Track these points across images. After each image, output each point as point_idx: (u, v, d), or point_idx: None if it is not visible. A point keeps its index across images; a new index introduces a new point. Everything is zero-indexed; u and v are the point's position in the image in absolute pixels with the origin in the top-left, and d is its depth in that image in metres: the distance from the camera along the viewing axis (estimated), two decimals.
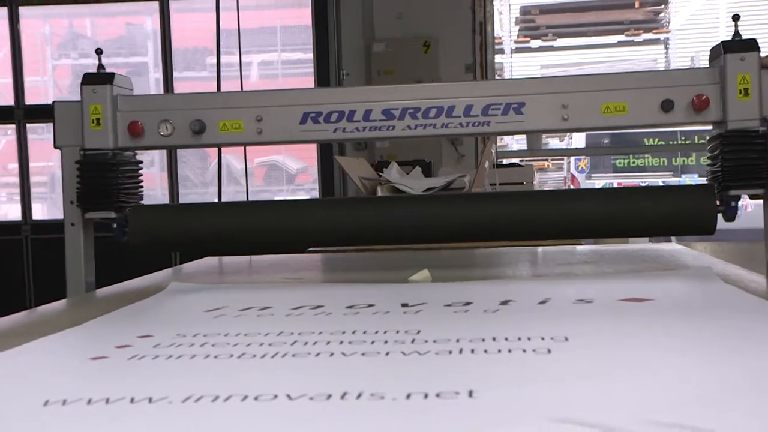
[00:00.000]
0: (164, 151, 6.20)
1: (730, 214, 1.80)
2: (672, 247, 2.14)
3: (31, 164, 6.92)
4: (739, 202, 1.80)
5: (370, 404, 0.74)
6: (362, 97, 1.75)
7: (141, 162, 1.89)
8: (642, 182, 8.37)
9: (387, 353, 0.99)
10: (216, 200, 4.53)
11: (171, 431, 0.70)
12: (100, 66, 1.79)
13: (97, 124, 1.75)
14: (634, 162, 8.48)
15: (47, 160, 7.28)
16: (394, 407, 0.73)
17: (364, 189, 2.78)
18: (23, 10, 5.97)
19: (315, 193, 6.45)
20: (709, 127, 1.88)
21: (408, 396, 0.76)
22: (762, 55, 1.77)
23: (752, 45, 1.75)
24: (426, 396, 0.76)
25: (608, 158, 8.37)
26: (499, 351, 0.98)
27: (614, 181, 8.46)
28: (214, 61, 4.27)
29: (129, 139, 1.77)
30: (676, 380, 0.84)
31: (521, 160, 5.46)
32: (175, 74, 6.36)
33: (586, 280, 1.83)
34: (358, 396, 0.76)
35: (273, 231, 1.78)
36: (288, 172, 7.58)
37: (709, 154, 1.86)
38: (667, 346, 1.03)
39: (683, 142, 8.16)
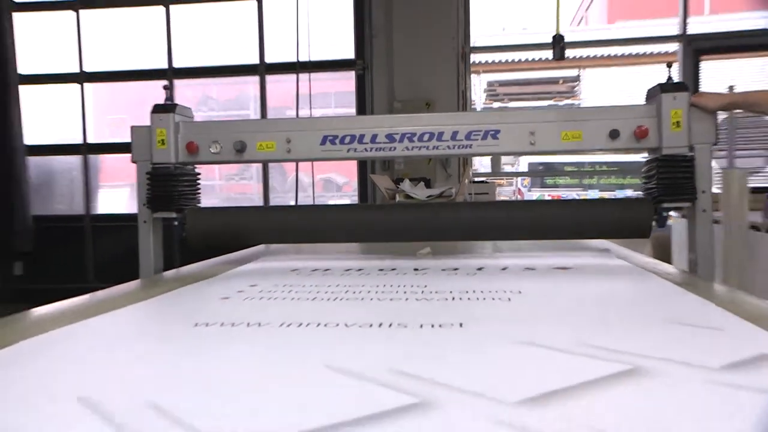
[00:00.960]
0: (260, 168, 7.13)
1: (661, 223, 1.93)
2: (599, 241, 2.33)
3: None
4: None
5: (398, 330, 1.04)
6: (370, 125, 1.93)
7: (199, 174, 2.06)
8: (563, 194, 9.65)
9: (406, 299, 1.34)
10: (293, 203, 5.22)
11: (271, 345, 0.98)
12: (167, 99, 1.96)
13: (162, 144, 1.93)
14: (557, 181, 9.89)
15: None
16: (412, 332, 1.03)
17: (387, 195, 3.31)
18: (178, 82, 6.61)
19: (355, 199, 7.11)
20: (645, 155, 2.08)
21: (421, 326, 1.07)
22: (690, 95, 1.88)
23: (683, 86, 1.91)
24: (432, 326, 1.07)
25: (541, 179, 9.50)
26: (477, 299, 1.33)
27: (545, 193, 9.86)
28: (294, 113, 5.36)
29: (187, 155, 1.92)
30: (594, 318, 1.17)
31: (487, 179, 6.37)
32: None
33: (533, 257, 2.10)
34: (390, 325, 1.08)
35: (299, 230, 1.91)
36: (337, 184, 9.04)
37: (645, 174, 2.00)
38: (584, 296, 1.40)
39: (590, 169, 9.80)
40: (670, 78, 1.94)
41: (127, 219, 2.76)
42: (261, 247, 2.43)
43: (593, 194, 9.10)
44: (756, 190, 3.99)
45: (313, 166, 5.76)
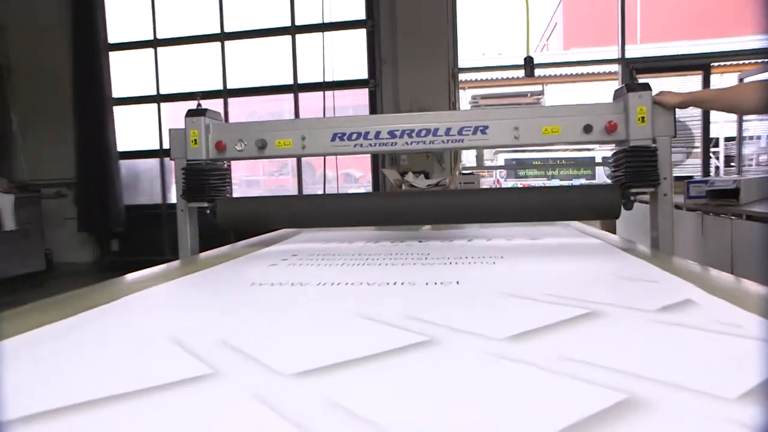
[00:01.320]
0: (295, 165, 6.87)
1: (629, 206, 1.63)
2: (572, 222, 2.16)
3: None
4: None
5: (408, 287, 1.03)
6: (374, 123, 1.65)
7: (229, 168, 1.77)
8: (533, 183, 9.18)
9: (413, 263, 1.31)
10: (320, 192, 5.10)
11: (312, 299, 0.97)
12: (198, 105, 1.67)
13: (195, 143, 1.66)
14: (528, 174, 9.44)
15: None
16: (420, 289, 1.02)
17: (395, 184, 3.06)
18: (231, 100, 6.43)
19: (369, 188, 6.82)
20: (612, 147, 1.76)
21: (426, 283, 1.05)
22: (653, 94, 1.59)
23: (646, 86, 1.62)
24: (435, 283, 1.05)
25: (515, 171, 9.42)
26: (469, 263, 1.30)
27: (518, 182, 9.39)
28: None
29: (216, 153, 1.64)
30: (561, 274, 1.18)
31: (472, 171, 6.13)
32: None
33: (513, 230, 1.94)
34: (402, 283, 1.06)
35: (317, 215, 1.65)
36: (354, 177, 8.80)
37: (613, 164, 1.68)
38: (551, 260, 1.37)
39: (552, 163, 9.35)
40: (635, 79, 1.65)
41: None
42: (285, 231, 2.13)
43: (555, 183, 8.79)
44: (678, 178, 3.85)
45: (336, 162, 5.62)
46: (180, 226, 1.74)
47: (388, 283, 1.06)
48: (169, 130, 1.72)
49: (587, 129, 1.61)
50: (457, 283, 1.05)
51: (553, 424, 0.44)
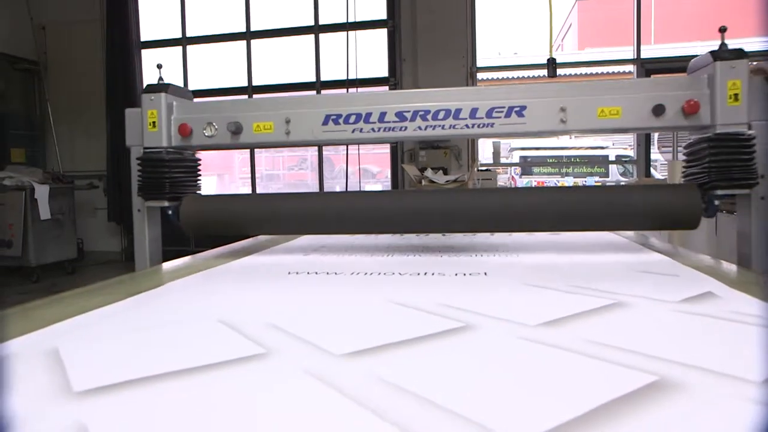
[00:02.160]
0: (315, 160, 6.22)
1: (711, 212, 1.11)
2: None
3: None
4: None
5: (438, 277, 0.95)
6: (378, 101, 1.10)
7: (199, 160, 1.26)
8: (547, 182, 8.30)
9: (441, 256, 1.16)
10: (338, 189, 4.51)
11: (347, 286, 0.91)
12: (160, 78, 1.16)
13: (153, 126, 1.15)
14: (542, 171, 8.49)
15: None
16: (450, 279, 0.94)
17: (415, 180, 2.72)
18: (255, 96, 5.93)
19: (388, 184, 6.24)
20: (685, 134, 1.15)
21: (455, 274, 0.98)
22: (750, 62, 1.05)
23: (741, 53, 1.06)
24: (464, 274, 0.98)
25: (530, 168, 8.47)
26: (494, 255, 1.16)
27: (533, 179, 8.43)
28: None
29: (180, 139, 1.14)
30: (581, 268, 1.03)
31: (489, 168, 5.37)
32: None
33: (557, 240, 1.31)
34: (432, 274, 0.98)
35: (298, 217, 1.13)
36: (372, 172, 7.92)
37: (688, 157, 1.15)
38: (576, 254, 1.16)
39: (566, 161, 8.55)
40: (723, 44, 1.12)
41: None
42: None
43: (569, 180, 8.15)
44: None
45: (358, 156, 5.12)
46: (136, 229, 1.26)
47: (418, 274, 0.99)
48: (125, 110, 1.24)
49: (658, 111, 1.09)
50: (485, 274, 0.98)
51: (589, 403, 0.42)
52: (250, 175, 6.15)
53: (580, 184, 7.85)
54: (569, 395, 0.44)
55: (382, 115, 1.11)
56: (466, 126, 1.11)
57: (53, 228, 5.15)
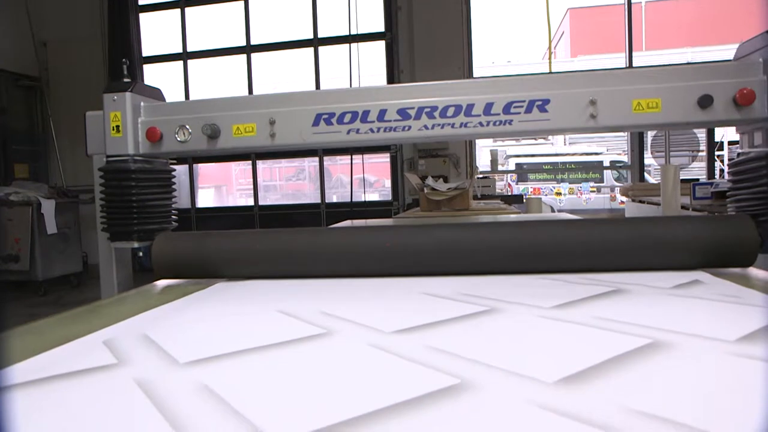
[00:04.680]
0: (312, 171, 5.72)
1: None
2: None
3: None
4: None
5: (458, 277, 0.91)
6: (377, 97, 0.89)
7: (173, 170, 1.05)
8: (543, 188, 8.08)
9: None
10: (336, 200, 4.22)
11: (383, 281, 0.89)
12: (125, 75, 0.95)
13: (117, 131, 0.93)
14: (538, 177, 8.30)
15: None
16: (468, 278, 0.90)
17: (418, 188, 2.49)
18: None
19: (386, 193, 5.98)
20: (724, 153, 0.93)
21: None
22: None
23: None
24: (482, 274, 0.93)
25: (526, 175, 8.16)
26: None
27: (528, 186, 8.22)
28: None
29: (149, 146, 0.92)
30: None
31: (487, 176, 5.24)
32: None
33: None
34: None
35: (287, 258, 0.89)
36: (369, 182, 7.49)
37: (735, 177, 0.93)
38: None
39: (561, 167, 8.23)
40: None
41: (216, 210, 3.19)
42: None
43: (565, 186, 7.92)
44: (684, 181, 3.27)
45: (363, 167, 4.91)
46: (102, 266, 1.03)
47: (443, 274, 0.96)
48: (86, 114, 1.03)
49: (704, 102, 0.89)
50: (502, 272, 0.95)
51: (595, 359, 0.50)
52: (249, 187, 5.96)
53: (575, 189, 7.63)
54: (580, 355, 0.53)
55: (382, 112, 0.90)
56: (480, 124, 0.90)
57: (59, 242, 5.04)
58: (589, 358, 0.51)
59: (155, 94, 1.03)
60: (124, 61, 1.04)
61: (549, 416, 0.41)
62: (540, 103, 0.90)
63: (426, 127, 0.90)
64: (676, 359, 0.51)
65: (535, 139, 9.36)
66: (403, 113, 0.90)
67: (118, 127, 0.96)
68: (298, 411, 0.44)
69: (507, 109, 0.90)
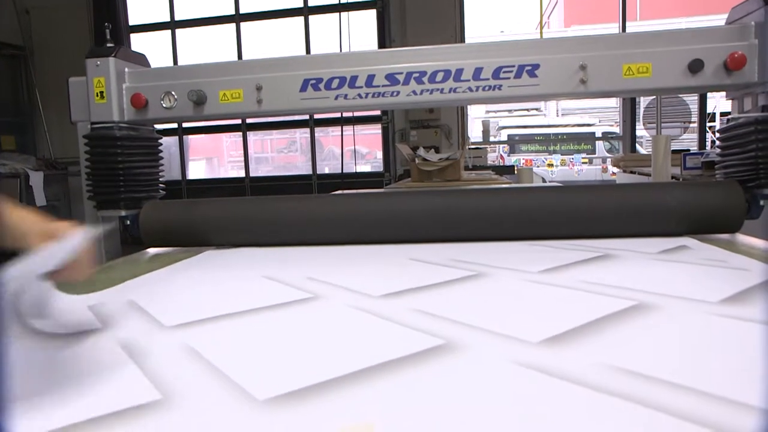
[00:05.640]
0: (309, 142, 5.58)
1: (756, 212, 0.89)
2: None
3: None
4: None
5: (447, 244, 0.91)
6: (365, 61, 0.87)
7: (160, 138, 1.03)
8: (535, 159, 7.85)
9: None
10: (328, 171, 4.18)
11: (371, 248, 0.90)
12: (108, 40, 0.92)
13: (101, 97, 0.90)
14: (530, 149, 8.06)
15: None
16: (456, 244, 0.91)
17: (409, 158, 2.48)
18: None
19: (378, 165, 5.78)
20: (714, 124, 0.92)
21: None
22: None
23: None
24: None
25: (518, 146, 8.02)
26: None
27: (522, 157, 7.92)
28: None
29: (134, 112, 0.90)
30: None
31: (478, 147, 5.06)
32: None
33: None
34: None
35: (275, 225, 0.89)
36: (361, 153, 7.21)
37: (724, 143, 0.93)
38: None
39: (553, 138, 8.03)
40: None
41: (207, 182, 2.95)
42: None
43: (557, 158, 7.87)
44: (675, 152, 3.28)
45: (354, 138, 4.85)
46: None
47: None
48: (69, 80, 1.00)
49: (695, 66, 0.88)
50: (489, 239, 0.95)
51: (580, 320, 0.51)
52: (241, 159, 5.87)
53: (567, 161, 7.60)
54: (568, 316, 0.53)
55: (370, 78, 0.88)
56: (469, 89, 0.88)
57: (49, 214, 5.00)
58: (574, 319, 0.52)
59: (140, 59, 1.01)
60: (106, 25, 1.01)
61: (532, 374, 0.41)
62: (530, 68, 0.88)
63: (415, 92, 0.88)
64: (659, 320, 0.51)
65: (528, 110, 9.29)
66: (391, 78, 0.88)
67: (102, 93, 0.94)
68: (284, 371, 0.43)
69: (496, 74, 0.88)
